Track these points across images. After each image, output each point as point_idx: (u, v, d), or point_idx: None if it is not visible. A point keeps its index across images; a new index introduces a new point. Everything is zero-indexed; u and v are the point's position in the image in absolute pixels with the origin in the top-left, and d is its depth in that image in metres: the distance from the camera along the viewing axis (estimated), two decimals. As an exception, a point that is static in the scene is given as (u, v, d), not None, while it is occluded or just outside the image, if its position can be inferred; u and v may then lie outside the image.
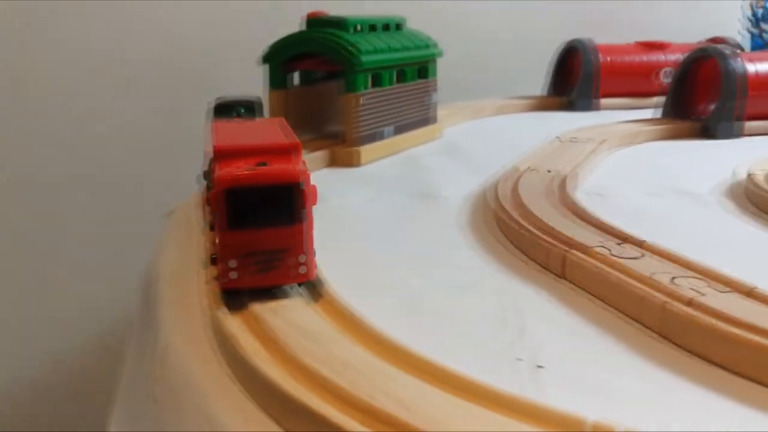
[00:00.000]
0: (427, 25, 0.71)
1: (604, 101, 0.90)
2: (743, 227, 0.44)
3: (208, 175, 0.37)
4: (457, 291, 0.34)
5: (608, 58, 0.91)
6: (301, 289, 0.30)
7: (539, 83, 0.96)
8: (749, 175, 0.50)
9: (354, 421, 0.21)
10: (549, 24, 1.15)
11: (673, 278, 0.30)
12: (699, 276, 0.31)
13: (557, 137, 0.64)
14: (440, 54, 0.70)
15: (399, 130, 0.65)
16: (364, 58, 0.58)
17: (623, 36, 0.97)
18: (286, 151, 0.30)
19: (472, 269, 0.37)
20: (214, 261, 0.30)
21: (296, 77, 0.65)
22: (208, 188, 0.37)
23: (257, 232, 0.28)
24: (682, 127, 0.73)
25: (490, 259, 0.38)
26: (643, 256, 0.33)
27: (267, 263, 0.29)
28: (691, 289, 0.29)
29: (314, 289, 0.30)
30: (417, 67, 0.67)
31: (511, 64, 1.15)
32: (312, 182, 0.29)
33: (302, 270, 0.29)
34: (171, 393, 0.28)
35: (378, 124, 0.62)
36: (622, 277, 0.31)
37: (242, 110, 0.40)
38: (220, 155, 0.30)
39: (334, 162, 0.60)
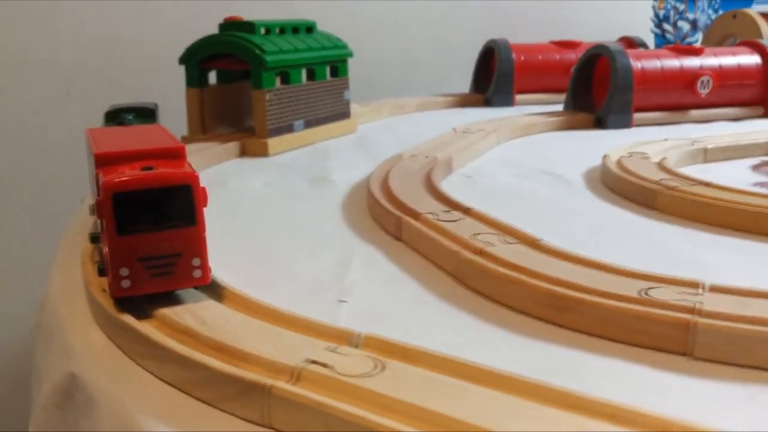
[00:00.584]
0: (359, 26, 0.77)
1: (519, 97, 0.97)
2: (584, 201, 0.50)
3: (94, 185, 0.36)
4: (312, 253, 0.40)
5: (522, 57, 0.97)
6: (198, 293, 0.30)
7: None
8: (604, 158, 0.56)
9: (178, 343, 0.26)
10: (478, 24, 1.22)
11: (475, 234, 0.36)
12: (496, 232, 0.36)
13: (453, 128, 0.70)
14: (350, 54, 0.76)
15: (310, 124, 0.71)
16: (269, 58, 0.64)
17: (548, 35, 1.03)
18: (172, 155, 0.30)
19: (331, 236, 0.43)
20: (102, 272, 0.29)
21: (214, 77, 0.71)
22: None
23: (149, 236, 0.28)
24: (580, 118, 0.80)
25: (351, 229, 0.44)
26: (462, 219, 0.39)
27: (160, 268, 0.28)
28: (485, 242, 0.35)
29: (214, 290, 0.30)
30: (327, 66, 0.73)
31: (444, 64, 1.22)
32: (206, 176, 0.33)
33: (197, 274, 0.29)
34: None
35: (287, 118, 0.68)
36: (435, 235, 0.37)
37: (131, 117, 0.39)
38: (102, 161, 0.29)
39: (245, 152, 0.65)
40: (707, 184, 0.47)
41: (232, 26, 0.68)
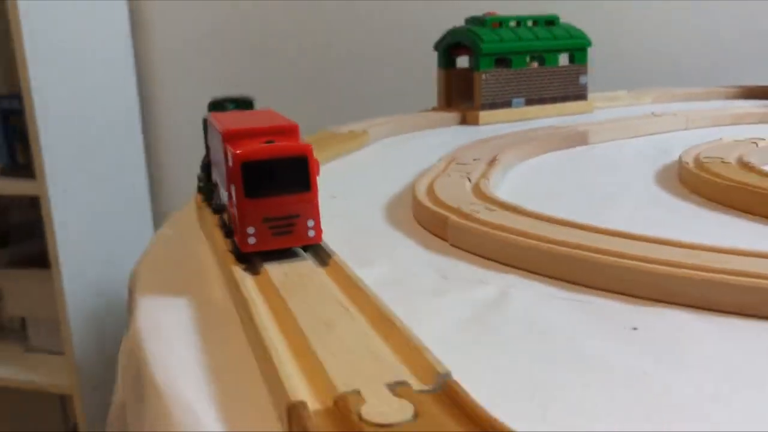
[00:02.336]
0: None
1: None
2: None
3: (206, 167, 0.41)
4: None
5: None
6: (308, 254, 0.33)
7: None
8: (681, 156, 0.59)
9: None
10: None
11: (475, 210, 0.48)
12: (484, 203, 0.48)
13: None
14: (588, 44, 0.86)
15: (532, 102, 0.84)
16: (485, 46, 0.80)
17: None
18: (288, 131, 0.33)
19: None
20: (229, 233, 0.34)
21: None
22: (203, 180, 0.43)
23: (271, 199, 0.31)
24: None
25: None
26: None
27: (281, 228, 0.32)
28: (474, 210, 0.46)
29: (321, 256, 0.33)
30: (559, 54, 0.85)
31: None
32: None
33: (311, 234, 0.32)
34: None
35: (505, 96, 0.83)
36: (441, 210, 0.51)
37: (232, 106, 0.43)
38: (230, 137, 0.33)
39: (464, 121, 0.83)
40: None
41: (473, 20, 0.85)
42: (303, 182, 0.32)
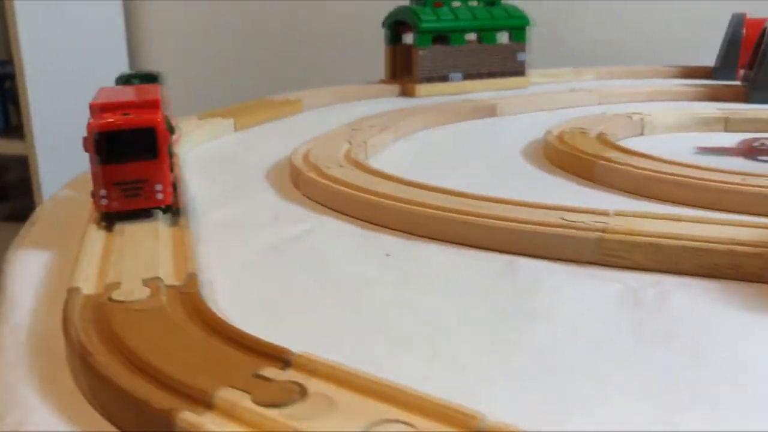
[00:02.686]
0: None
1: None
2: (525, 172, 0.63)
3: None
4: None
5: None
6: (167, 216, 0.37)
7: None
8: (546, 133, 0.65)
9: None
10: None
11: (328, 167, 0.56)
12: (348, 163, 0.56)
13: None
14: (527, 23, 0.92)
15: (471, 77, 0.91)
16: (424, 25, 0.86)
17: None
18: (150, 105, 0.37)
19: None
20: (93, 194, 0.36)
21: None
22: None
23: (122, 166, 0.35)
24: (730, 90, 0.81)
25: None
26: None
27: (131, 191, 0.35)
28: (327, 167, 0.54)
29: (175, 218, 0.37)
30: (496, 33, 0.91)
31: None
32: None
33: (159, 196, 0.36)
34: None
35: (442, 71, 0.89)
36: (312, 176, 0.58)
37: (137, 81, 0.47)
38: (94, 110, 0.36)
39: (403, 93, 0.89)
40: (642, 156, 0.50)
41: (417, 0, 0.91)
42: (151, 150, 0.35)
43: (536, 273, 0.33)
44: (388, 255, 0.35)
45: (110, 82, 0.52)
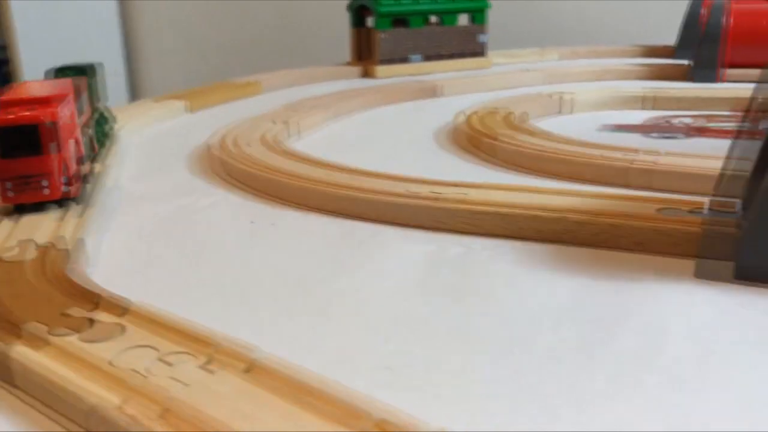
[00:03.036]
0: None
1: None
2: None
3: None
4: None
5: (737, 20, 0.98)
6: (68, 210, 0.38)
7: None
8: (456, 116, 0.69)
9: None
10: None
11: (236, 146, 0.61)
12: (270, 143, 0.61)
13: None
14: (486, 6, 0.95)
15: (430, 58, 0.94)
16: (383, 9, 0.90)
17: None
18: (48, 101, 0.38)
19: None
20: None
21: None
22: None
23: (14, 162, 0.37)
24: (677, 70, 0.84)
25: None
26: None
27: (22, 185, 0.37)
28: (235, 146, 0.60)
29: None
30: (457, 15, 0.94)
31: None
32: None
33: (45, 192, 0.38)
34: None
35: (402, 53, 0.93)
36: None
37: (72, 73, 0.50)
38: (1, 104, 0.38)
39: (364, 74, 0.93)
40: (535, 134, 0.53)
41: (378, -15, 0.95)
42: (35, 147, 0.37)
43: (373, 235, 0.37)
44: (252, 222, 0.40)
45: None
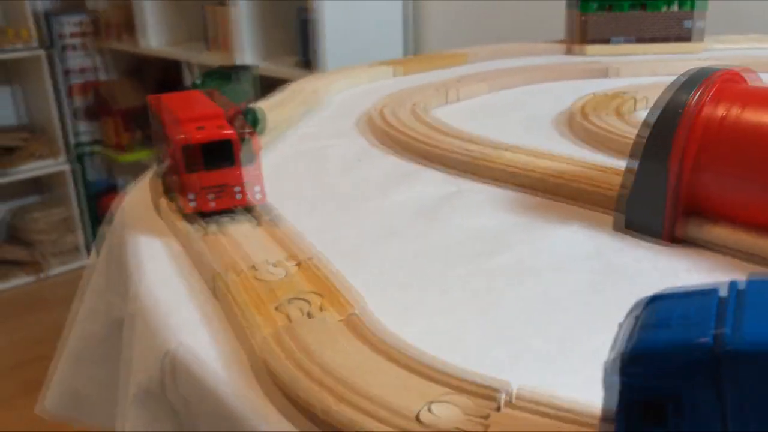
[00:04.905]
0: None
1: None
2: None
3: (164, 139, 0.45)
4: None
5: None
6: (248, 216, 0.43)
7: None
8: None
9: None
10: None
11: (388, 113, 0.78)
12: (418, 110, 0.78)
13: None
14: (695, -7, 1.00)
15: (631, 42, 1.02)
16: (589, -7, 1.00)
17: None
18: (215, 116, 0.43)
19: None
20: (171, 198, 0.44)
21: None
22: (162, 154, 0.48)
23: (205, 173, 0.41)
24: None
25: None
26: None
27: (214, 194, 0.41)
28: (385, 112, 0.77)
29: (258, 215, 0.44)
30: (659, 2, 1.01)
31: None
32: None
33: (238, 197, 0.42)
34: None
35: (605, 34, 1.02)
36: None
37: (216, 77, 0.55)
38: (170, 123, 0.42)
39: (569, 52, 1.05)
40: None
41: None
42: (230, 159, 0.41)
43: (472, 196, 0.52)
44: (359, 160, 0.58)
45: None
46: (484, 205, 0.48)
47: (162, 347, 0.33)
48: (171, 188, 0.46)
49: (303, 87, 0.81)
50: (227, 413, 0.29)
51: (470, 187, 0.52)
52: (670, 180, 0.39)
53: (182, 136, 0.41)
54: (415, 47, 1.78)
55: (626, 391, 0.20)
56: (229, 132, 0.41)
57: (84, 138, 2.45)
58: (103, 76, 2.43)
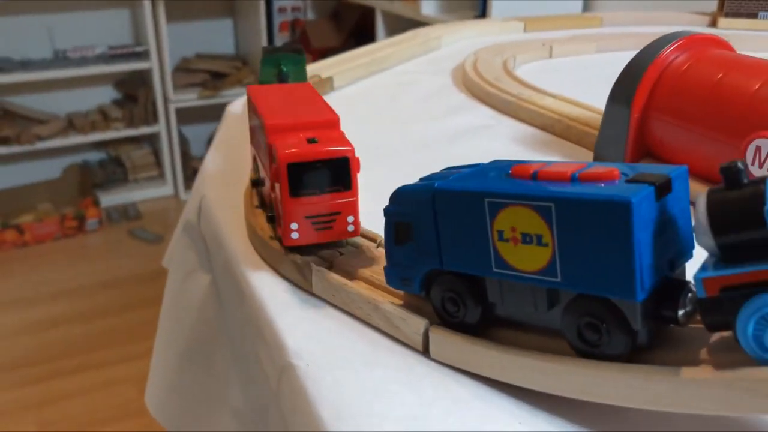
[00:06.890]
0: None
1: None
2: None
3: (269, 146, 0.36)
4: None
5: None
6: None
7: None
8: None
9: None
10: None
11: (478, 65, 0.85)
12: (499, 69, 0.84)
13: None
14: None
15: (779, 17, 1.01)
16: (736, -34, 1.00)
17: None
18: (330, 125, 0.35)
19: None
20: (271, 219, 0.36)
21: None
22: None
23: (314, 198, 0.33)
24: None
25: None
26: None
27: (322, 224, 0.34)
28: (475, 65, 0.84)
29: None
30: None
31: None
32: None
33: (350, 228, 0.34)
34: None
35: (751, 8, 1.01)
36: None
37: (285, 69, 0.45)
38: (274, 130, 0.34)
39: (712, 23, 1.05)
40: None
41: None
42: (344, 182, 0.34)
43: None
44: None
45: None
46: (504, 136, 0.57)
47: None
48: (265, 201, 0.40)
49: (428, 33, 0.91)
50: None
51: (503, 122, 0.60)
52: (631, 123, 0.45)
53: (290, 151, 0.33)
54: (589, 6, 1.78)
55: (387, 216, 0.30)
56: (347, 148, 0.34)
57: (283, 71, 2.70)
58: (308, 16, 2.66)
